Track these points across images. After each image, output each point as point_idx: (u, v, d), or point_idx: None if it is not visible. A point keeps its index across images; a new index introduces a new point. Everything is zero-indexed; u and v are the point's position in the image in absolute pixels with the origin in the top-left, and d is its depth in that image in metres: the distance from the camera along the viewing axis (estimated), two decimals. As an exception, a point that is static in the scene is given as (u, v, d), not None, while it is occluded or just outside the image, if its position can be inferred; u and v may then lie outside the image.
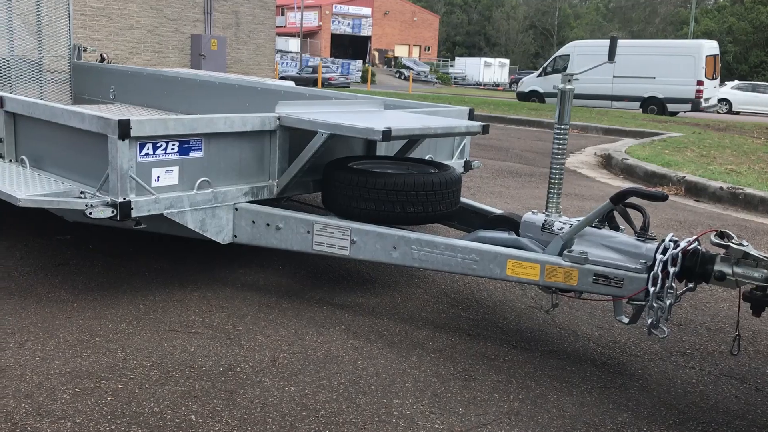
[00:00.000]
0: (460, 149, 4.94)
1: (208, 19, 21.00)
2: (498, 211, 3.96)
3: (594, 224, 3.15)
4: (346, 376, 2.95)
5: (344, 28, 59.61)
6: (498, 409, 2.76)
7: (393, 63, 56.37)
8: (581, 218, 3.21)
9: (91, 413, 2.54)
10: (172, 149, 3.41)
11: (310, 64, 46.28)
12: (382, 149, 4.42)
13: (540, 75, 28.39)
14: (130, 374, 2.85)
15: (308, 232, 3.56)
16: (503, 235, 3.46)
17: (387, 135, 3.32)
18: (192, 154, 3.50)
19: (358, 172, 3.62)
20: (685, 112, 24.23)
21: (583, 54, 25.45)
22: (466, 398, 2.83)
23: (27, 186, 3.42)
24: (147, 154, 3.31)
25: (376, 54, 58.29)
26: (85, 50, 8.11)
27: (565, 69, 27.78)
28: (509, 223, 3.62)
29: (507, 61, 56.48)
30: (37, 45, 7.88)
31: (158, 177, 3.39)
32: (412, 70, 48.60)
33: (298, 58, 48.98)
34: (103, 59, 8.41)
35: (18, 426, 2.44)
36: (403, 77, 49.26)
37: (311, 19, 56.60)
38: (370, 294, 3.95)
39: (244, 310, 3.61)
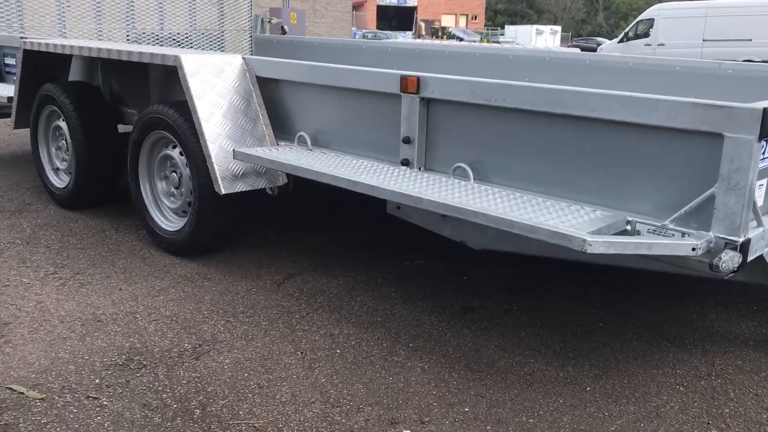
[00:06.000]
0: None
1: (286, -10, 19.72)
2: None
3: None
4: None
5: (389, -1, 57.65)
6: None
7: (440, 33, 54.40)
8: None
9: None
10: (765, 151, 2.19)
11: (357, 37, 44.77)
12: None
13: (621, 41, 26.73)
14: None
15: None
16: None
17: None
18: None
19: None
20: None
21: (669, 18, 23.74)
22: None
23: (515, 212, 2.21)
24: (764, 158, 2.09)
25: (423, 25, 56.30)
26: (269, 22, 6.91)
27: (647, 34, 26.16)
28: None
29: (558, 28, 54.25)
30: (219, 17, 6.72)
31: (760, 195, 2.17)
32: (463, 40, 46.91)
33: (345, 32, 47.32)
34: (284, 31, 7.22)
35: None
36: (454, 48, 47.39)
37: (356, -9, 54.72)
38: None
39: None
